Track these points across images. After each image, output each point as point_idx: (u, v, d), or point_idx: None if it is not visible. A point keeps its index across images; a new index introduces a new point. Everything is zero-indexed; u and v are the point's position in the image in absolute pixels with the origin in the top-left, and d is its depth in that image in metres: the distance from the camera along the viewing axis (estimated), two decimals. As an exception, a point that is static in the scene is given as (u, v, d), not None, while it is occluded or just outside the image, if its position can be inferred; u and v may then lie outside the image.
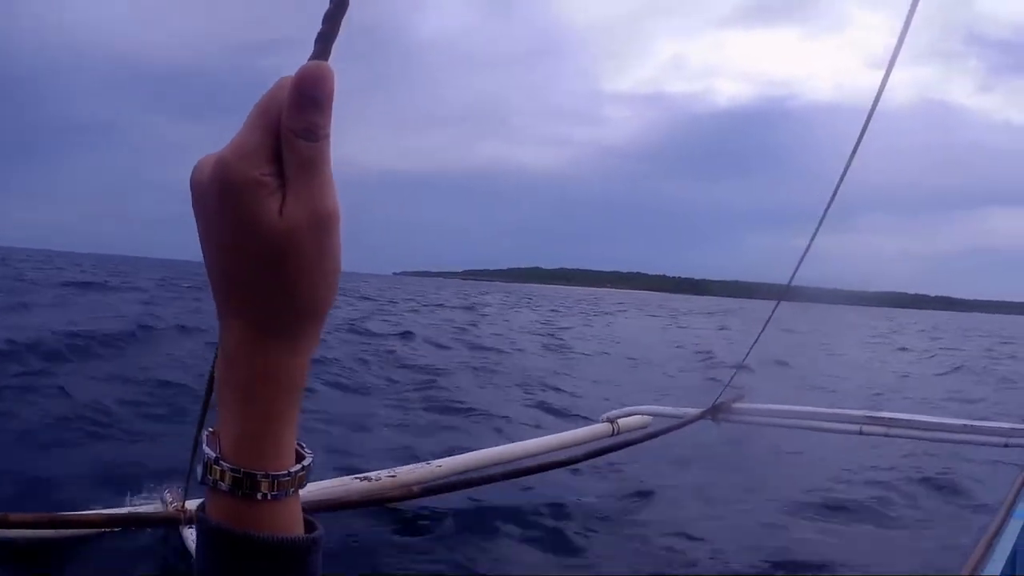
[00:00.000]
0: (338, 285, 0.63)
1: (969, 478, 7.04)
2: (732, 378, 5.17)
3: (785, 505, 6.28)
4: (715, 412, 5.04)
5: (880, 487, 7.00)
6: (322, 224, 0.58)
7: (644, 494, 6.28)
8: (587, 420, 7.40)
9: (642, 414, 4.88)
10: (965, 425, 4.33)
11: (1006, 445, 4.14)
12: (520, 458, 3.40)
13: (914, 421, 4.56)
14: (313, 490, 2.32)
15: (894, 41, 2.79)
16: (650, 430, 4.77)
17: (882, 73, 2.97)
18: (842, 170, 3.41)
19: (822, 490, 6.75)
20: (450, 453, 2.99)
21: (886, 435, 4.78)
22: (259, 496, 0.63)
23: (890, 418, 4.66)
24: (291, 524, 0.66)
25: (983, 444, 4.32)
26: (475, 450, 3.17)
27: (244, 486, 0.63)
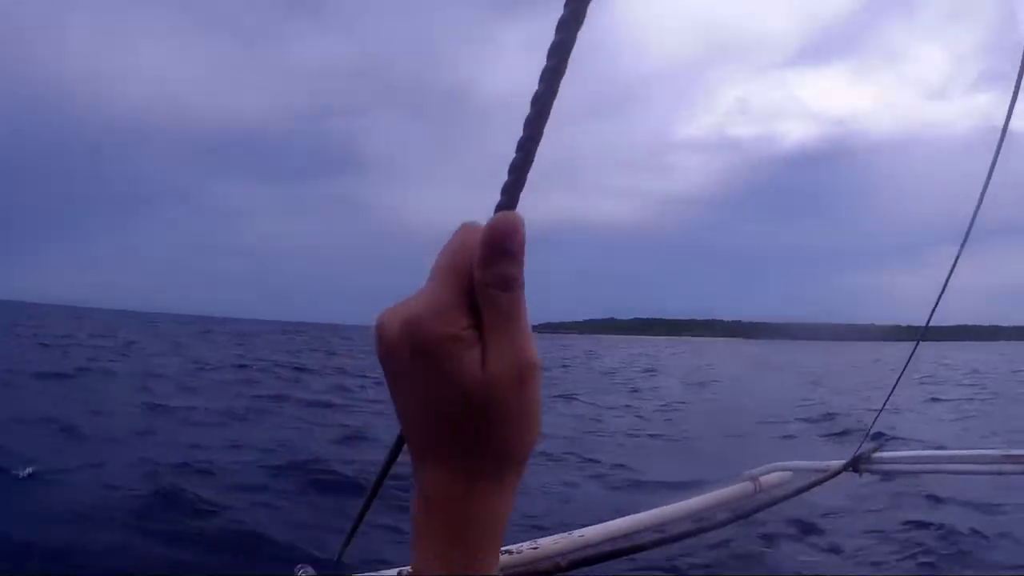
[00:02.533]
0: (540, 429, 0.63)
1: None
2: (871, 427, 4.80)
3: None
4: (856, 463, 4.61)
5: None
6: (524, 374, 0.60)
7: (790, 552, 5.88)
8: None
9: (781, 470, 4.48)
10: None
11: None
12: (666, 523, 3.07)
13: None
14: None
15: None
16: (793, 486, 4.38)
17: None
18: (977, 202, 3.13)
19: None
20: (588, 523, 2.72)
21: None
22: None
23: None
24: None
25: None
26: (617, 518, 2.87)
27: None
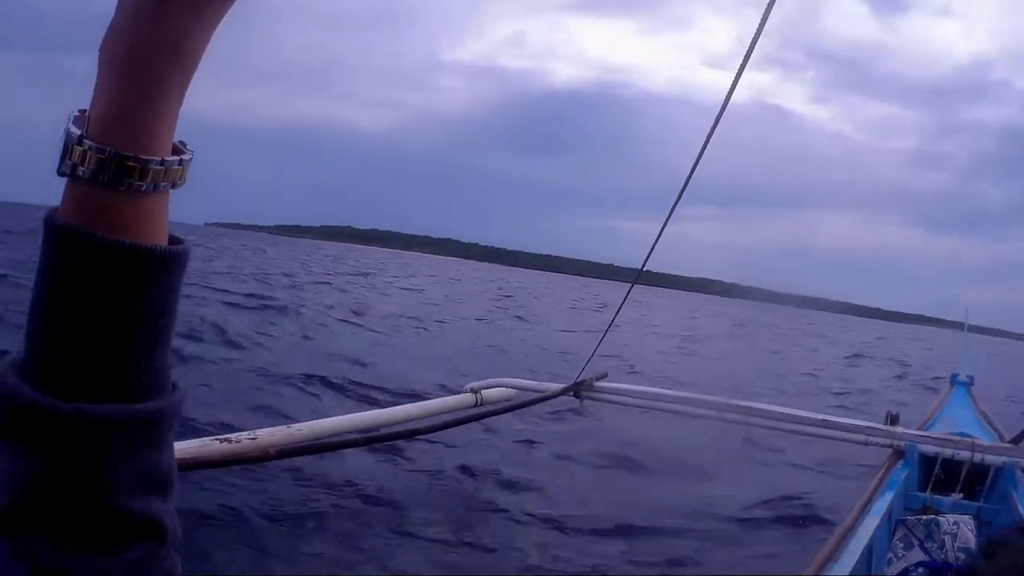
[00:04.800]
0: None
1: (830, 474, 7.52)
2: (592, 355, 5.40)
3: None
4: (578, 389, 5.26)
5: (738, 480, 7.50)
6: None
7: (502, 466, 6.59)
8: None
9: (506, 386, 5.08)
10: (826, 420, 4.59)
11: (866, 443, 4.47)
12: (383, 425, 3.55)
13: (775, 412, 4.78)
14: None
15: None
16: (513, 402, 4.97)
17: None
18: (693, 162, 3.58)
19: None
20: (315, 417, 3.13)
21: (746, 423, 5.04)
22: (124, 186, 0.57)
23: (751, 407, 4.88)
24: (154, 230, 0.60)
25: (844, 440, 4.60)
26: (338, 415, 3.31)
27: (109, 170, 0.57)
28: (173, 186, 0.61)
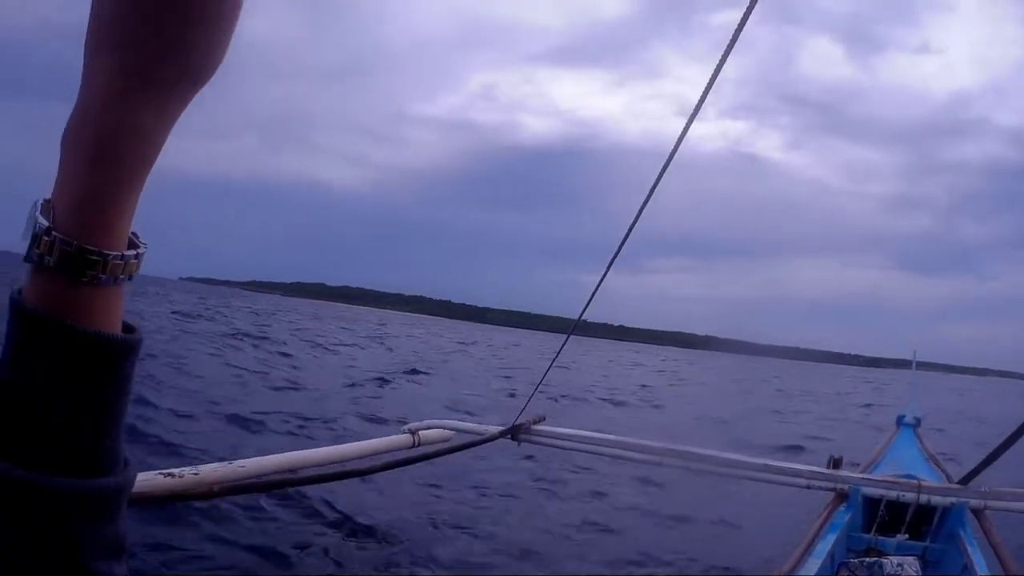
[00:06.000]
0: (226, 53, 0.61)
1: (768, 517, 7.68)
2: (530, 399, 5.47)
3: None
4: (515, 431, 5.30)
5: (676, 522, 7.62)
6: None
7: (437, 507, 6.63)
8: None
9: (443, 428, 5.12)
10: (767, 464, 4.59)
11: (808, 487, 4.46)
12: (321, 464, 3.56)
13: (715, 457, 4.77)
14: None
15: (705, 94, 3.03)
16: (451, 444, 4.99)
17: (696, 123, 3.17)
18: (636, 213, 3.61)
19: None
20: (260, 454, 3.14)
21: (686, 468, 5.02)
22: (87, 278, 0.61)
23: (691, 452, 4.88)
24: (111, 319, 0.64)
25: (784, 484, 4.56)
26: (279, 453, 3.32)
27: (74, 263, 0.60)
28: (130, 278, 0.65)
